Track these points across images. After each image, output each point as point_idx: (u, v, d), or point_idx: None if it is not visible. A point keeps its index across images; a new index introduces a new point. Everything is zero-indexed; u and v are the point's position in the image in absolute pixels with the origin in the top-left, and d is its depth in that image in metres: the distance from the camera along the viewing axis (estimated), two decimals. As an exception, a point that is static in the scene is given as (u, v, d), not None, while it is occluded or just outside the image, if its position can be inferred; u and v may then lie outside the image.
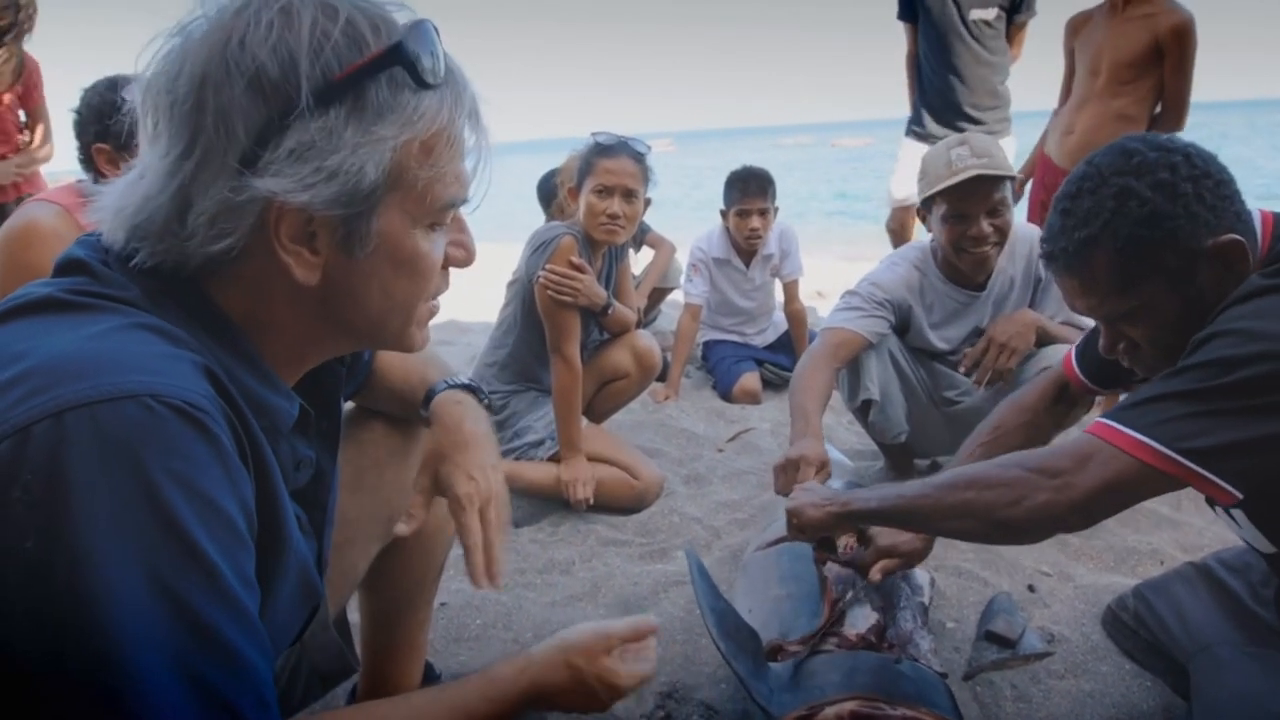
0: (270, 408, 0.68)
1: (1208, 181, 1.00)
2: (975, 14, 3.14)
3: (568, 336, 2.08)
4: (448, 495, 0.94)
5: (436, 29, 0.65)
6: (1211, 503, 1.08)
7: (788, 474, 1.54)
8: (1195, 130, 2.40)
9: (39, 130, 2.87)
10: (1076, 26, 2.82)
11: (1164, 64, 2.57)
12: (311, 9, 0.61)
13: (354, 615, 1.24)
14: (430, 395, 1.02)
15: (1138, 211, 1.00)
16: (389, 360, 1.04)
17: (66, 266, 0.66)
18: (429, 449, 0.97)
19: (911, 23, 3.34)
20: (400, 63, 0.62)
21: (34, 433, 0.52)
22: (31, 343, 0.57)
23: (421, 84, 0.64)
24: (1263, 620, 1.23)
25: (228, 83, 0.60)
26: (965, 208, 1.91)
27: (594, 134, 2.15)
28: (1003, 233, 1.94)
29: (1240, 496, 0.93)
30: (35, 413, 0.52)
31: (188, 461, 0.54)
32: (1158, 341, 1.06)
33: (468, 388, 1.04)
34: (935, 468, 2.27)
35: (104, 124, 1.70)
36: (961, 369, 2.05)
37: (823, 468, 1.57)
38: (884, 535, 1.38)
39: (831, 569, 1.42)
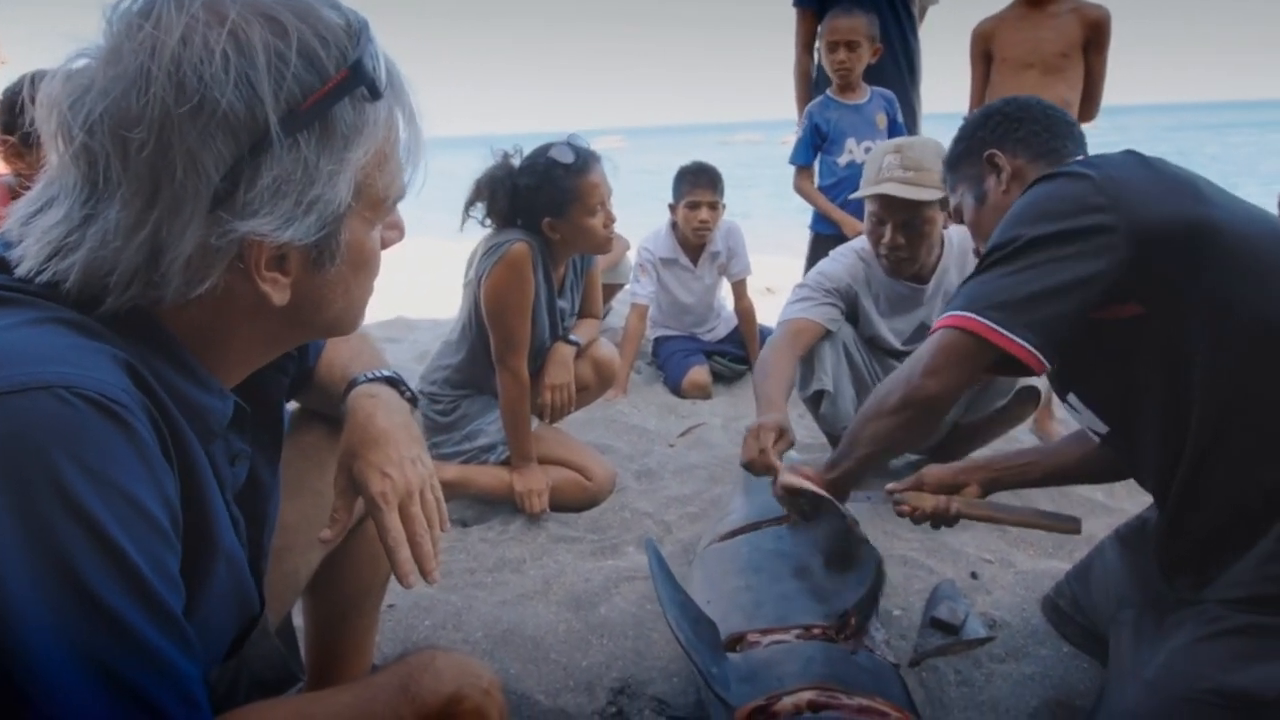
0: (201, 408, 0.66)
1: (997, 117, 1.36)
2: None
3: (514, 348, 2.02)
4: (362, 495, 0.89)
5: (369, 25, 0.65)
6: (1059, 393, 1.29)
7: (748, 443, 1.67)
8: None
9: None
10: (988, 33, 2.92)
11: (1087, 54, 2.79)
12: (258, 28, 0.59)
13: (298, 620, 1.21)
14: (349, 390, 0.98)
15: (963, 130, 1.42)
16: (323, 357, 1.02)
17: None
18: (341, 448, 0.92)
19: (814, 9, 3.17)
20: (362, 82, 0.62)
21: None
22: None
23: (376, 95, 0.64)
24: (1154, 574, 1.26)
25: (193, 125, 0.57)
26: (881, 215, 1.98)
27: (550, 154, 1.99)
28: (915, 247, 1.99)
29: (1042, 359, 1.09)
30: None
31: (102, 455, 0.53)
32: (973, 223, 1.41)
33: (387, 380, 0.99)
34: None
35: (12, 116, 1.67)
36: None
37: (782, 435, 1.65)
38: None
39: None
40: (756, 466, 1.64)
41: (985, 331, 1.10)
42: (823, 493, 1.43)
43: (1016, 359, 1.09)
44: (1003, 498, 2.00)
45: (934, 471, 1.46)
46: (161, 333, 0.64)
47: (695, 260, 3.26)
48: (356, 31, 0.63)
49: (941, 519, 1.42)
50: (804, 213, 3.37)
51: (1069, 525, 1.43)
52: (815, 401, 2.10)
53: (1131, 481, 1.32)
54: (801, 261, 3.28)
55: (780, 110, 3.71)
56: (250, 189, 0.59)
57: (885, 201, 1.95)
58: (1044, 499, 2.06)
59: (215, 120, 0.57)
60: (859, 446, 1.34)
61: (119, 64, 0.58)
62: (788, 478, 1.47)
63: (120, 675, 0.52)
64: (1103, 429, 1.23)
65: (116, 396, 0.55)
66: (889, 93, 3.14)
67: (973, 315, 1.11)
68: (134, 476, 0.55)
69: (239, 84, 0.58)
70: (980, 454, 2.09)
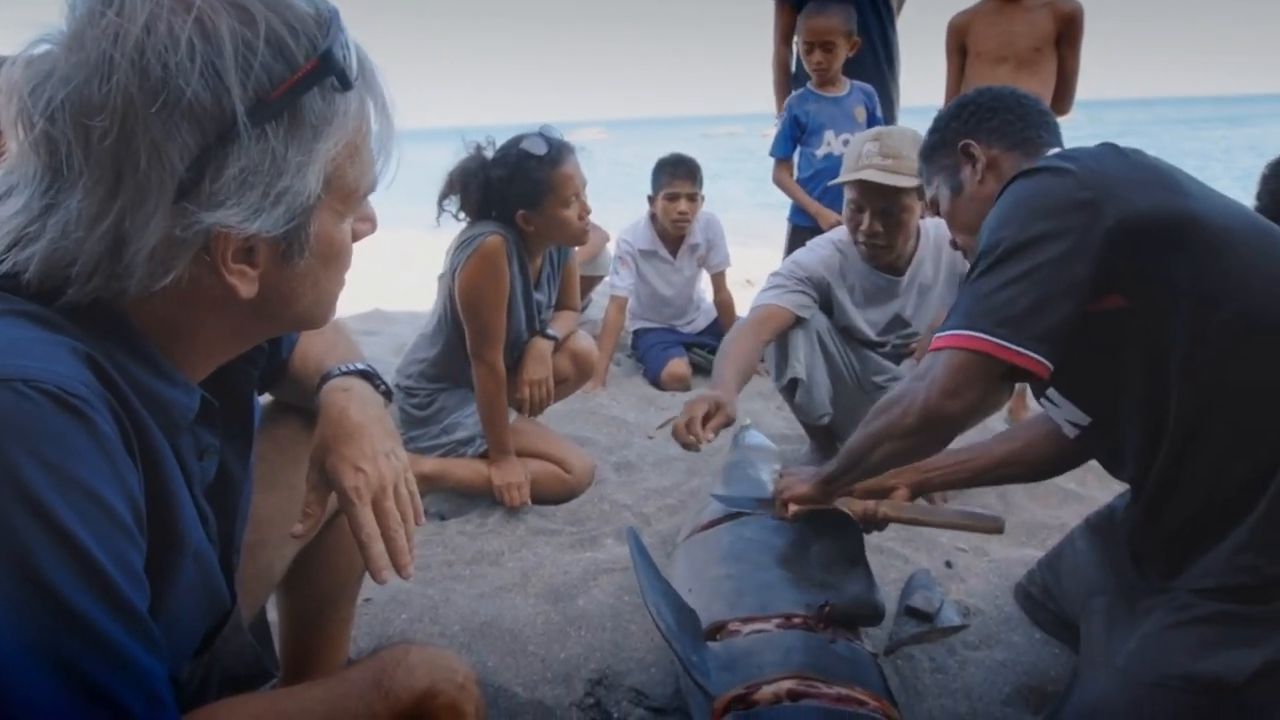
0: (166, 401, 0.65)
1: (971, 107, 1.36)
2: None
3: (489, 341, 2.01)
4: (335, 490, 0.88)
5: (339, 14, 0.64)
6: (1037, 391, 1.29)
7: (681, 413, 1.70)
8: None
9: None
10: (963, 26, 2.94)
11: (1060, 48, 2.82)
12: (225, 16, 0.58)
13: (273, 615, 1.20)
14: (323, 383, 0.97)
15: (937, 121, 1.42)
16: (297, 349, 1.01)
17: None
18: (314, 442, 0.91)
19: (792, 2, 3.15)
20: (332, 72, 0.61)
21: None
22: None
23: (347, 85, 0.63)
24: (1125, 563, 1.28)
25: (158, 114, 0.56)
26: (860, 202, 2.00)
27: (522, 145, 1.98)
28: (893, 234, 2.01)
29: (1050, 366, 1.08)
30: None
31: (62, 449, 0.52)
32: (949, 215, 1.40)
33: (362, 373, 0.98)
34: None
35: None
36: (915, 359, 2.13)
37: (719, 409, 1.68)
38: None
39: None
40: (679, 434, 1.66)
41: (997, 351, 1.08)
42: (845, 511, 1.45)
43: (1027, 371, 1.08)
44: (1023, 502, 2.05)
45: None
46: (125, 325, 0.63)
47: (674, 252, 3.27)
48: (326, 21, 0.62)
49: (870, 523, 1.44)
50: (784, 205, 3.38)
51: (991, 525, 1.45)
52: (790, 391, 2.11)
53: (1102, 470, 1.34)
54: (780, 253, 3.29)
55: (761, 103, 3.71)
56: (216, 180, 0.58)
57: (864, 188, 1.97)
58: (1023, 494, 2.09)
59: (180, 109, 0.56)
60: (865, 464, 1.29)
61: (81, 50, 0.57)
62: (795, 508, 1.47)
63: (82, 673, 0.51)
64: (1084, 421, 1.24)
65: (76, 390, 0.54)
66: (868, 87, 3.15)
67: (981, 335, 1.09)
68: (95, 471, 0.54)
69: (205, 73, 0.57)
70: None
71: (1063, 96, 2.87)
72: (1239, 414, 1.07)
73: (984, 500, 2.05)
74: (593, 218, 3.60)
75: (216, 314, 0.66)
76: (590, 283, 3.89)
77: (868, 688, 1.13)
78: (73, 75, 0.56)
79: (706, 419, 1.66)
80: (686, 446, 1.67)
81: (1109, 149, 1.17)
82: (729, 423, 1.70)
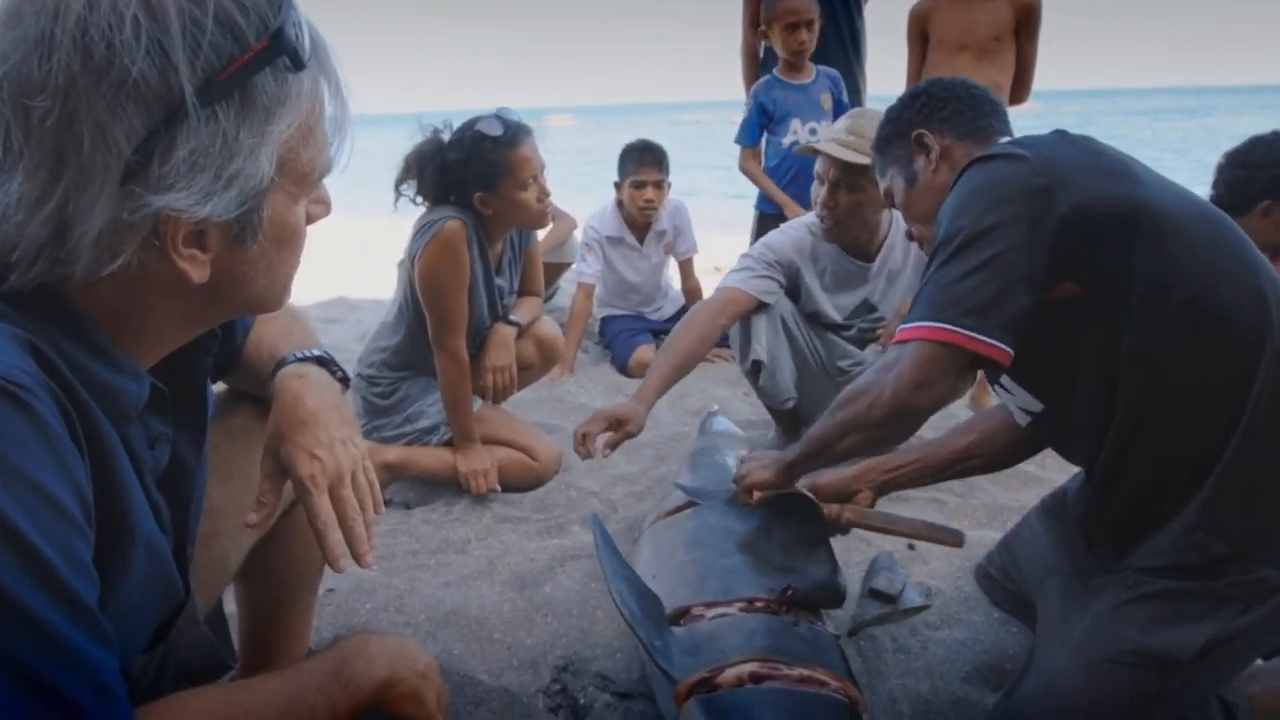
0: (113, 389, 0.64)
1: (923, 98, 1.37)
2: None
3: (451, 328, 1.99)
4: (291, 479, 0.86)
5: None
6: (992, 378, 1.29)
7: (582, 425, 1.74)
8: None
9: None
10: (924, 14, 2.97)
11: (1019, 38, 2.88)
12: None
13: (231, 607, 1.18)
14: (277, 370, 0.95)
15: (889, 113, 1.43)
16: (251, 335, 0.98)
17: None
18: (268, 430, 0.89)
19: None
20: (284, 52, 0.60)
21: None
22: None
23: (300, 65, 0.61)
24: (1078, 544, 1.31)
25: (101, 93, 0.54)
26: (821, 173, 2.06)
27: (478, 126, 1.96)
28: (840, 211, 2.04)
29: (1011, 352, 1.08)
30: None
31: (4, 440, 0.51)
32: (904, 205, 1.41)
33: (318, 359, 0.96)
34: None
35: None
36: (880, 345, 2.15)
37: (618, 425, 1.73)
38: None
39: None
40: (575, 443, 1.73)
41: (964, 341, 1.08)
42: (807, 494, 1.46)
43: (991, 359, 1.09)
44: (984, 484, 2.07)
45: (827, 480, 1.47)
46: (70, 312, 0.62)
47: (641, 239, 3.26)
48: (278, 2, 0.61)
49: (834, 527, 1.45)
50: (751, 194, 3.39)
51: (952, 539, 1.47)
52: (754, 374, 2.13)
53: (1060, 454, 1.36)
54: (748, 241, 3.30)
55: (732, 90, 3.70)
56: (165, 162, 0.57)
57: (824, 159, 2.03)
58: (985, 477, 2.12)
59: (125, 89, 0.55)
60: (831, 452, 1.29)
61: (19, 26, 0.55)
62: (759, 494, 1.47)
63: (24, 665, 0.50)
64: (1037, 408, 1.25)
65: (18, 379, 0.53)
66: (834, 72, 3.16)
67: (947, 326, 1.09)
68: (39, 463, 0.53)
69: (151, 51, 0.55)
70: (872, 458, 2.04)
71: (1021, 85, 2.92)
72: (1187, 400, 1.09)
73: (946, 484, 2.08)
74: (561, 204, 3.58)
75: (167, 299, 0.65)
76: (558, 270, 3.86)
77: (829, 668, 1.14)
78: (10, 52, 0.55)
79: (602, 433, 1.72)
80: (580, 455, 1.73)
81: (1059, 136, 1.18)
82: (629, 437, 1.76)
